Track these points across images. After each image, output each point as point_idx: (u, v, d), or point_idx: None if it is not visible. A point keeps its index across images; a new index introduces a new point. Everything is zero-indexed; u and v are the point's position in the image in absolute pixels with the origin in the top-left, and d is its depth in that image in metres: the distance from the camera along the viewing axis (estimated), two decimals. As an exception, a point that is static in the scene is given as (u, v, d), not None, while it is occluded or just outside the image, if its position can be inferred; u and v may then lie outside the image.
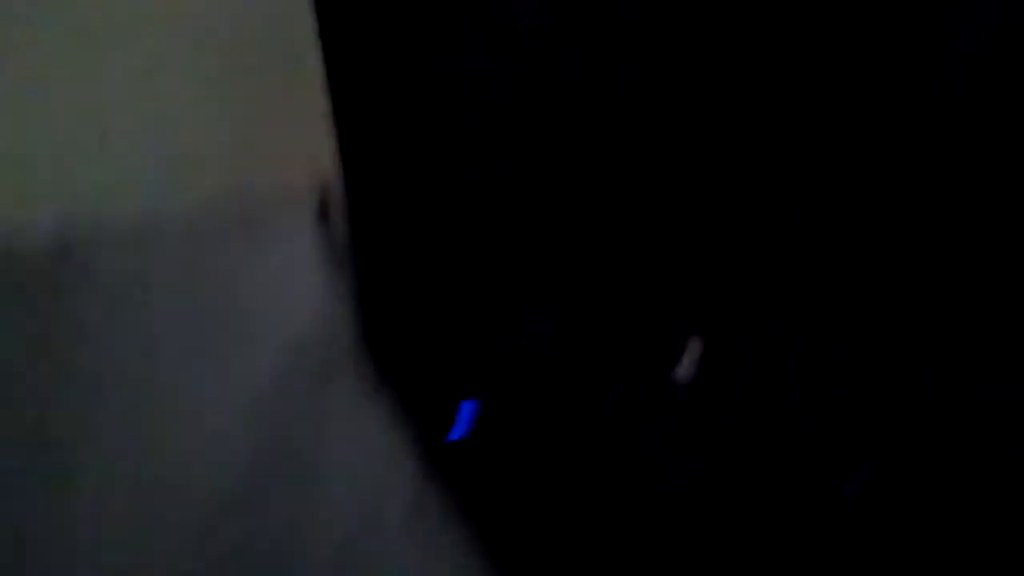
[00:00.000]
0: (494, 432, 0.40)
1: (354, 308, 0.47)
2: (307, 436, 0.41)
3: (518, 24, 0.45)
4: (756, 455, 0.38)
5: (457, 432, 0.41)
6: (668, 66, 0.47)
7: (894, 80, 0.49)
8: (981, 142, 0.49)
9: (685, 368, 0.41)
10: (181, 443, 0.40)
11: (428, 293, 0.46)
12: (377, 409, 0.43)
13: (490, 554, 0.36)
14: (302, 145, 0.48)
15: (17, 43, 0.46)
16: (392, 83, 0.45)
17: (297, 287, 0.47)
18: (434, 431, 0.41)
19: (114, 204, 0.48)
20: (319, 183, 0.50)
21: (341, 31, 0.44)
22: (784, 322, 0.41)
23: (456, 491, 0.39)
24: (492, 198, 0.47)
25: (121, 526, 0.36)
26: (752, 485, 0.37)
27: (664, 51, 0.47)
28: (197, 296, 0.46)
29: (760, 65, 0.48)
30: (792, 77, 0.48)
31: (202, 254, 0.48)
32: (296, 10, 0.47)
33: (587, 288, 0.45)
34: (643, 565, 0.36)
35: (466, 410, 0.41)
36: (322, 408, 0.42)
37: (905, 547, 0.34)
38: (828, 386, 0.39)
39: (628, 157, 0.47)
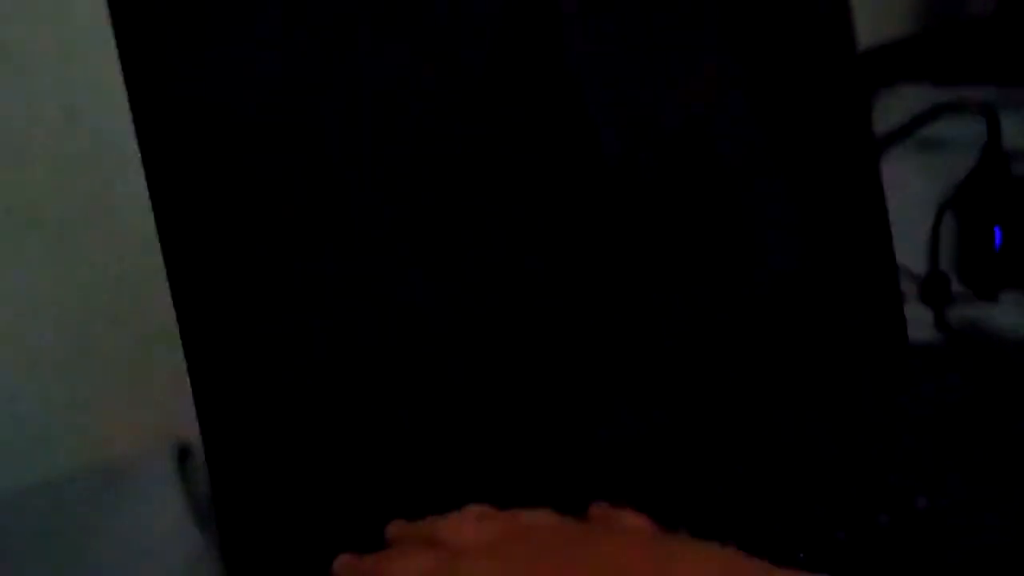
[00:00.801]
0: None
1: (219, 561, 0.46)
2: None
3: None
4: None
5: None
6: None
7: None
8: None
9: None
10: None
11: (292, 549, 0.46)
12: None
13: None
14: (158, 402, 0.49)
15: None
16: (247, 342, 0.46)
17: (161, 544, 0.47)
18: None
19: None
20: (177, 439, 0.51)
21: (197, 299, 0.45)
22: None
23: None
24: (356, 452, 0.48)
25: None
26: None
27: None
28: (60, 560, 0.46)
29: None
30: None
31: (63, 519, 0.48)
32: (147, 274, 0.48)
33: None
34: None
35: None
36: None
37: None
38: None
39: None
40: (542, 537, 0.40)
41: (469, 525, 0.42)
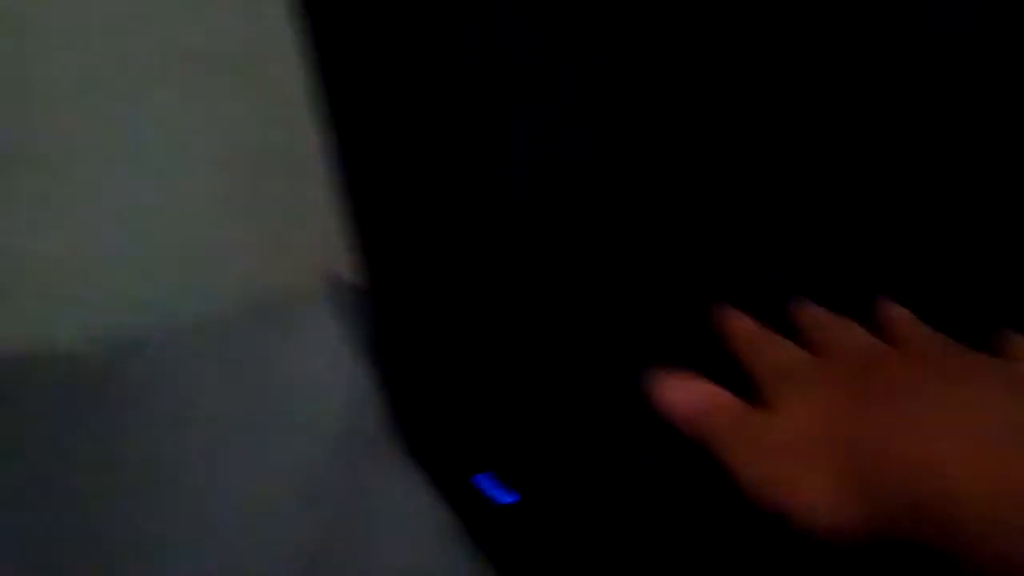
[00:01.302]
0: (531, 505, 0.39)
1: (384, 394, 0.46)
2: (355, 520, 0.40)
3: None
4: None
5: (496, 503, 0.39)
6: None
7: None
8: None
9: None
10: (235, 530, 0.39)
11: (455, 376, 0.45)
12: (419, 488, 0.41)
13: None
14: (319, 236, 0.48)
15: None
16: (406, 171, 0.45)
17: (322, 382, 0.47)
18: (473, 509, 0.39)
19: (138, 307, 0.50)
20: (339, 275, 0.50)
21: (352, 120, 0.44)
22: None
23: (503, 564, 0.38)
24: (514, 277, 0.46)
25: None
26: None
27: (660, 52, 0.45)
28: (236, 391, 0.46)
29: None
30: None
31: (233, 354, 0.48)
32: (300, 103, 0.47)
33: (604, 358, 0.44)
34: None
35: (497, 485, 0.40)
36: (368, 488, 0.41)
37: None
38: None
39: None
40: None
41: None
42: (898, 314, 0.42)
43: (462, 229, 0.45)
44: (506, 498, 0.39)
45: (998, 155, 0.48)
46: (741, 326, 0.42)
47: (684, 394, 0.40)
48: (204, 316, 0.50)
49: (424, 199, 0.45)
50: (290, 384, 0.46)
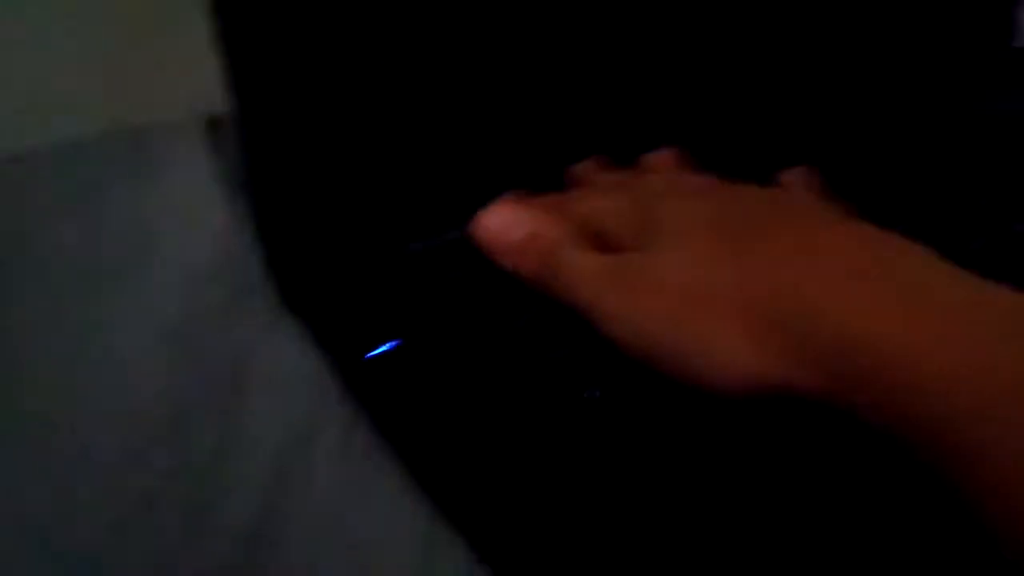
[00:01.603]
0: (411, 358, 0.36)
1: (257, 235, 0.42)
2: (226, 363, 0.37)
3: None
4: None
5: (374, 354, 0.36)
6: None
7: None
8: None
9: None
10: (99, 375, 0.37)
11: (331, 217, 0.42)
12: (292, 335, 0.38)
13: (420, 484, 0.33)
14: (189, 73, 0.44)
15: None
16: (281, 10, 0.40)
17: (199, 216, 0.43)
18: (351, 355, 0.37)
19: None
20: (210, 111, 0.46)
21: None
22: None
23: (380, 417, 0.35)
24: (396, 118, 0.42)
25: (40, 466, 0.33)
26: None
27: None
28: (100, 227, 0.43)
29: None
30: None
31: (99, 187, 0.44)
32: None
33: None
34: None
35: (381, 336, 0.37)
36: (237, 335, 0.38)
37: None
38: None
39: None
40: (745, 196, 0.35)
41: (668, 172, 0.37)
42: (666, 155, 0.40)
43: (333, 67, 0.42)
44: (383, 346, 0.38)
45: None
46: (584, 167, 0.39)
47: (516, 227, 0.37)
48: (66, 137, 0.46)
49: (297, 33, 0.42)
50: (154, 220, 0.43)
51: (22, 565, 0.30)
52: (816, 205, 0.36)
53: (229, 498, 0.32)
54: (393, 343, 0.37)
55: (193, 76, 0.45)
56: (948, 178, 0.45)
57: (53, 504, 0.32)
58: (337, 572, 0.31)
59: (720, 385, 0.31)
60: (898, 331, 0.28)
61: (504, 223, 0.38)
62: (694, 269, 0.32)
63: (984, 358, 0.27)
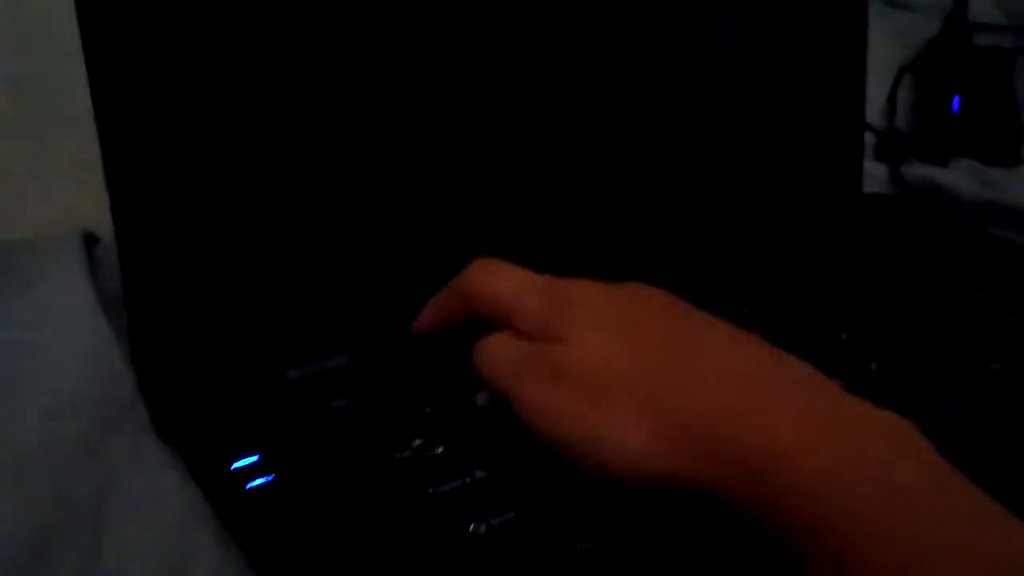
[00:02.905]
0: (287, 489, 0.36)
1: (130, 357, 0.42)
2: (90, 495, 0.36)
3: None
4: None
5: (248, 483, 0.36)
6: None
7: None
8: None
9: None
10: None
11: (208, 341, 0.42)
12: (163, 463, 0.38)
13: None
14: (68, 191, 0.45)
15: None
16: (165, 128, 0.41)
17: (70, 336, 0.42)
18: (224, 484, 0.36)
19: None
20: (86, 229, 0.46)
21: (113, 74, 0.40)
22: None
23: (255, 548, 0.34)
24: (277, 245, 0.44)
25: None
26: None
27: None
28: None
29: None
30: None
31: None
32: (62, 52, 0.42)
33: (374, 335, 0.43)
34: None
35: (251, 463, 0.37)
36: (102, 463, 0.37)
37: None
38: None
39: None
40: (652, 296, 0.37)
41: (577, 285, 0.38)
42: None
43: (215, 190, 0.42)
44: (258, 480, 0.37)
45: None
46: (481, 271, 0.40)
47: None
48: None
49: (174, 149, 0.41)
50: (22, 340, 0.41)
51: None
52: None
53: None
54: (258, 458, 0.36)
55: (71, 190, 0.44)
56: (807, 317, 0.47)
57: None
58: None
59: (613, 473, 0.33)
60: (784, 438, 0.30)
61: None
62: (597, 363, 0.34)
63: (859, 468, 0.29)
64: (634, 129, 0.52)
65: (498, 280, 0.39)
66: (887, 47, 0.75)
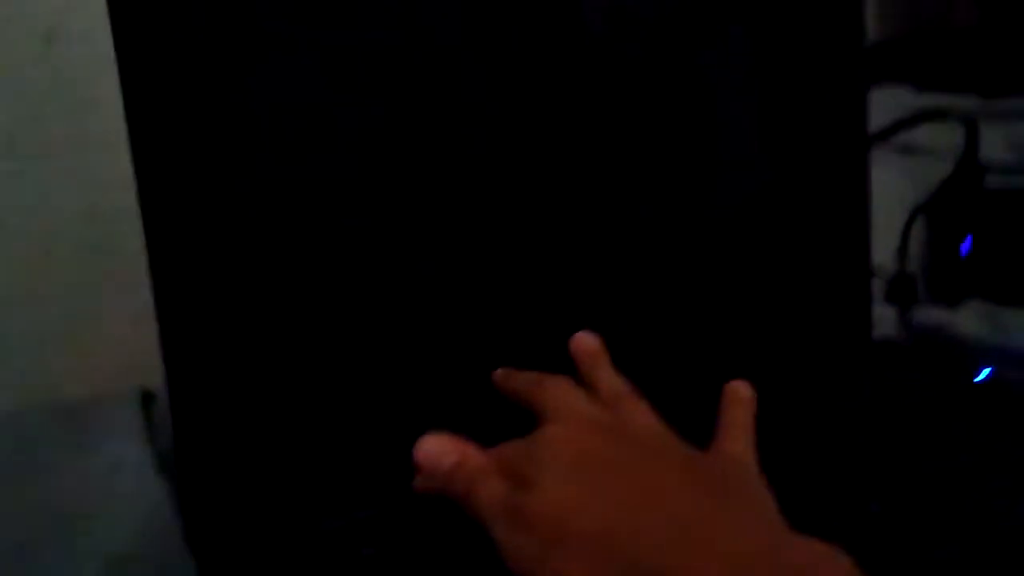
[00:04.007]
0: None
1: (179, 511, 0.46)
2: None
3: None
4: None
5: None
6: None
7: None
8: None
9: None
10: None
11: (251, 494, 0.46)
12: None
13: None
14: (123, 345, 0.48)
15: None
16: (220, 289, 0.45)
17: (121, 487, 0.46)
18: None
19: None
20: (144, 387, 0.50)
21: (170, 231, 0.44)
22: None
23: None
24: (322, 409, 0.48)
25: None
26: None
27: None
28: (26, 502, 0.45)
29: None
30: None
31: (22, 454, 0.47)
32: (118, 210, 0.46)
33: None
34: None
35: None
36: None
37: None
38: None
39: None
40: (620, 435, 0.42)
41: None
42: (596, 364, 0.47)
43: (267, 357, 0.46)
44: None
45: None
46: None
47: (446, 455, 0.43)
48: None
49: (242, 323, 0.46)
50: (81, 496, 0.45)
51: None
52: (684, 451, 0.42)
53: None
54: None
55: (129, 351, 0.48)
56: (812, 460, 0.50)
57: None
58: None
59: None
60: None
61: (438, 451, 0.43)
62: (557, 510, 0.38)
63: None
64: (637, 268, 0.55)
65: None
66: (900, 189, 0.78)
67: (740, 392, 0.46)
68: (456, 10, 0.49)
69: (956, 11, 1.09)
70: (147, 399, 0.50)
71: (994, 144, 0.80)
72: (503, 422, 0.44)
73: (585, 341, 0.49)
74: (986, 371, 0.59)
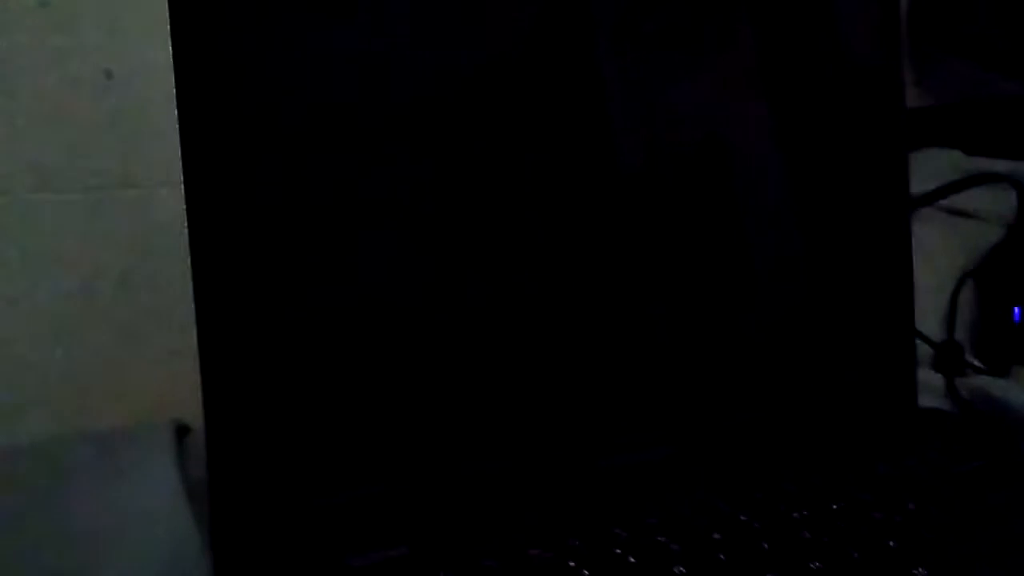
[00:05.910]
0: None
1: (209, 544, 0.46)
2: None
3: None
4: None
5: None
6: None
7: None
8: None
9: None
10: None
11: (282, 528, 0.46)
12: None
13: None
14: (161, 382, 0.49)
15: None
16: (260, 327, 0.45)
17: (153, 517, 0.46)
18: None
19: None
20: (178, 420, 0.51)
21: (217, 270, 0.44)
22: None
23: None
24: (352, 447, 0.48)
25: None
26: None
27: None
28: (59, 530, 0.45)
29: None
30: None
31: (57, 482, 0.47)
32: (166, 246, 0.48)
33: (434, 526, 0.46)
34: None
35: None
36: None
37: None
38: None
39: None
40: None
41: None
42: None
43: (305, 394, 0.46)
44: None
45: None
46: None
47: None
48: (36, 437, 0.49)
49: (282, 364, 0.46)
50: (113, 526, 0.45)
51: None
52: None
53: None
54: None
55: (165, 385, 0.49)
56: (854, 523, 0.48)
57: None
58: None
59: None
60: None
61: None
62: None
63: None
64: (685, 338, 0.55)
65: None
66: (950, 254, 0.77)
67: None
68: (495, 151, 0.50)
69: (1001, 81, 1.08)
70: (181, 431, 0.50)
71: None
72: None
73: None
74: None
